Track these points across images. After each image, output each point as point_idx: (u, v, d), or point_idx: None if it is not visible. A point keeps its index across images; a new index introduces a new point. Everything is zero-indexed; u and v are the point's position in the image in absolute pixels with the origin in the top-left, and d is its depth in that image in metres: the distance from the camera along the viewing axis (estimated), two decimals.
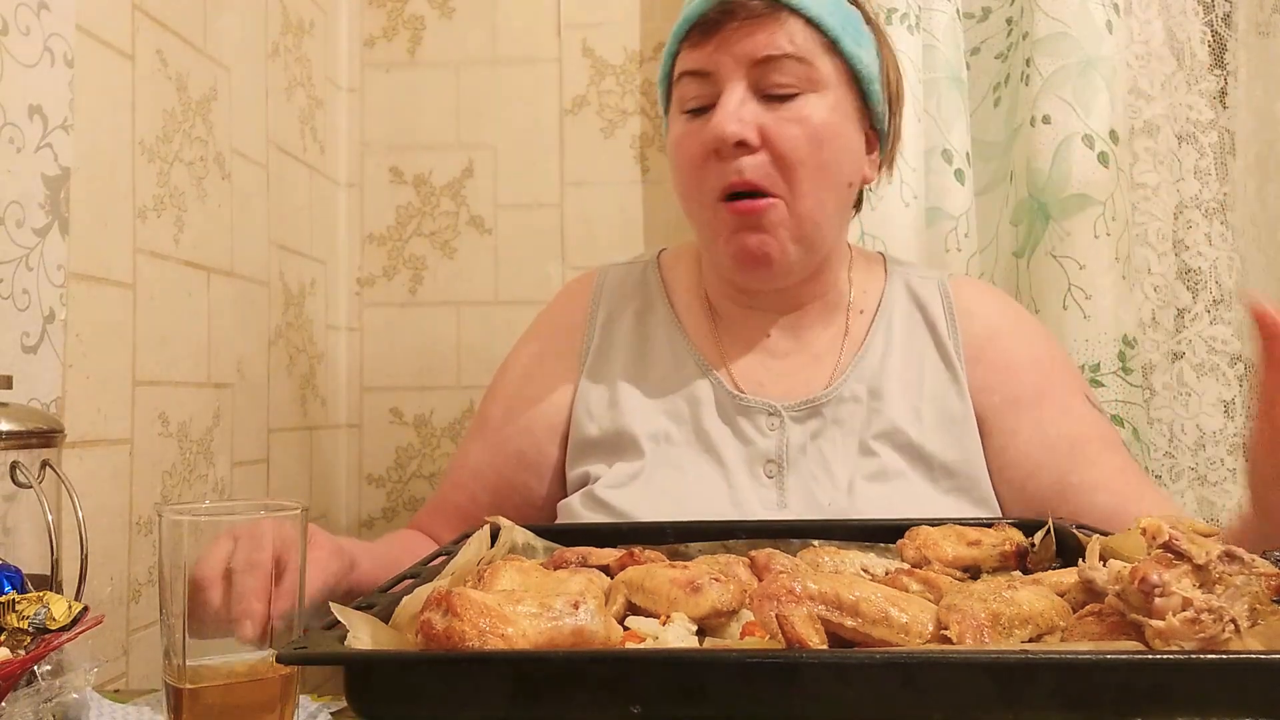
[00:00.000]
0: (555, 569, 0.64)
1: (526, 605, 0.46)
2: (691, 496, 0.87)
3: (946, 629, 0.45)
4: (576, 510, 0.89)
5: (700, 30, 0.87)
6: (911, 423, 0.89)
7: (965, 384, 0.92)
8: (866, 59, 0.89)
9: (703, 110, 0.87)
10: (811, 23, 0.86)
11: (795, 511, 0.86)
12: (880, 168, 0.96)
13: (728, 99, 0.85)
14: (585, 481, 0.92)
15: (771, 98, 0.85)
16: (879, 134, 0.93)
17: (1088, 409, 0.92)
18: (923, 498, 0.86)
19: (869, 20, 0.92)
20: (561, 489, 0.96)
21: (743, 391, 0.92)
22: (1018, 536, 0.68)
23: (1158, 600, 0.42)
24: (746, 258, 0.87)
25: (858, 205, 0.99)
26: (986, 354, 0.93)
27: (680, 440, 0.91)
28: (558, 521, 0.93)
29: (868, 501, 0.85)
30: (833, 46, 0.87)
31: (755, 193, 0.85)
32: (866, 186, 0.96)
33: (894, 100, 0.94)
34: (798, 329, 0.95)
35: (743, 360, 0.94)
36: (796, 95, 0.85)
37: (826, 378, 0.92)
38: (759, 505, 0.87)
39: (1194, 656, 0.41)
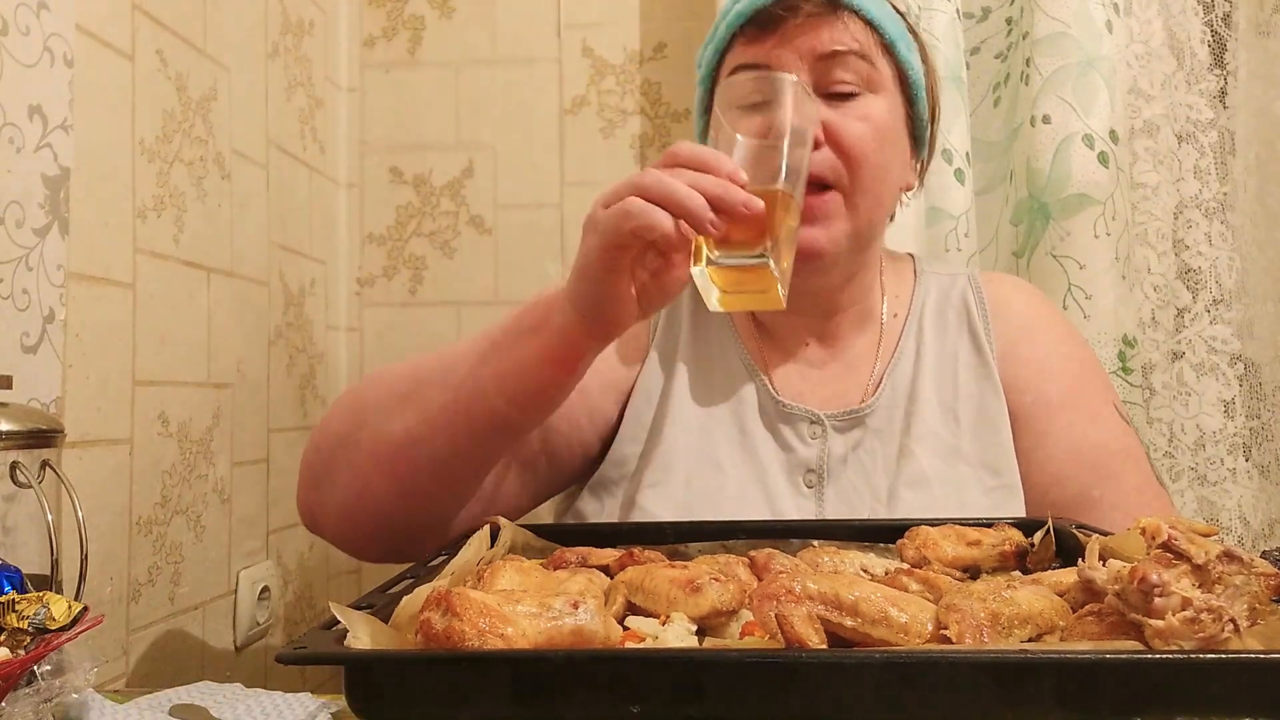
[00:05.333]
0: (555, 569, 0.64)
1: (526, 605, 0.46)
2: (728, 500, 0.86)
3: (946, 629, 0.45)
4: (615, 511, 0.88)
5: (758, 25, 0.85)
6: (949, 425, 0.89)
7: (999, 380, 0.91)
8: (917, 66, 0.89)
9: (759, 106, 0.85)
10: (871, 24, 0.85)
11: None
12: (918, 177, 0.96)
13: None
14: (622, 465, 0.89)
15: (833, 96, 0.84)
16: (918, 143, 0.93)
17: (1116, 419, 0.91)
18: (968, 501, 0.85)
19: (912, 31, 0.93)
20: (600, 454, 0.92)
21: (784, 398, 0.91)
22: (1017, 536, 0.68)
23: (1157, 600, 0.42)
24: (800, 248, 0.82)
25: (892, 216, 0.98)
26: (1020, 351, 0.92)
27: (721, 438, 0.89)
28: (571, 520, 0.92)
29: (909, 511, 0.84)
30: (889, 49, 0.87)
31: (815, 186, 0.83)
32: (906, 193, 0.96)
33: (934, 111, 0.95)
34: (833, 336, 0.94)
35: (782, 366, 0.93)
36: (857, 95, 0.85)
37: (863, 387, 0.92)
38: (797, 515, 0.86)
39: (1193, 656, 0.41)
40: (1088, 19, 1.27)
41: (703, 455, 0.88)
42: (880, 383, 0.91)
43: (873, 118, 0.84)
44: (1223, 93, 1.38)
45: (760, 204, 0.64)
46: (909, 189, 0.94)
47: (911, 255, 1.02)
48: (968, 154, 1.31)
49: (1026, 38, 1.31)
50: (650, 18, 1.54)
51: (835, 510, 0.86)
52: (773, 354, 0.94)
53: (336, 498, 0.81)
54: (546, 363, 0.72)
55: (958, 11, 1.31)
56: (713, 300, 0.68)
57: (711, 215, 0.62)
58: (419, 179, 1.56)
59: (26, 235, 0.82)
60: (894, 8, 0.91)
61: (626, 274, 0.67)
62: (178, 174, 1.07)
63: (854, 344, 0.94)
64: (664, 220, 0.63)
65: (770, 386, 0.91)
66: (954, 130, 1.29)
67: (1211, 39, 1.38)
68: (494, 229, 1.55)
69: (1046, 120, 1.27)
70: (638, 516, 0.86)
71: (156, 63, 1.03)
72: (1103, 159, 1.26)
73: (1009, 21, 1.38)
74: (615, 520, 0.88)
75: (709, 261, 0.66)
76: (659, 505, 0.86)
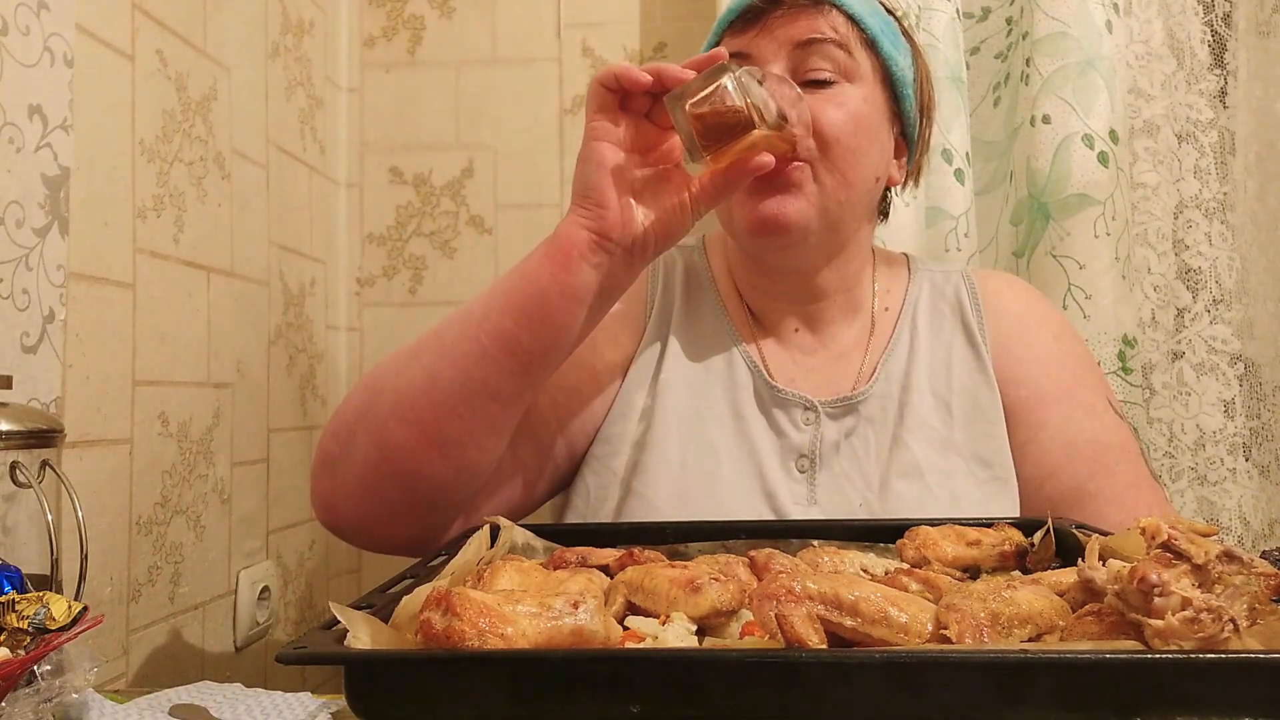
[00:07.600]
0: (555, 569, 0.65)
1: (526, 605, 0.46)
2: (722, 483, 0.86)
3: (946, 629, 0.45)
4: (603, 491, 0.89)
5: (744, 19, 0.89)
6: (942, 417, 0.90)
7: (993, 375, 0.92)
8: (902, 63, 0.91)
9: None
10: (852, 18, 0.88)
11: (825, 509, 0.86)
12: (908, 176, 0.96)
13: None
14: (608, 444, 0.90)
15: (810, 83, 0.86)
16: (908, 141, 0.94)
17: (1110, 414, 0.92)
18: (959, 492, 0.86)
19: (905, 33, 0.94)
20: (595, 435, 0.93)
21: (778, 383, 0.91)
22: (1017, 536, 0.68)
23: (1157, 600, 0.42)
24: (764, 219, 0.85)
25: (884, 215, 0.99)
26: (1014, 345, 0.93)
27: (715, 422, 0.90)
28: (574, 489, 0.92)
29: (901, 501, 0.85)
30: (871, 44, 0.89)
31: None
32: (893, 190, 0.97)
33: (925, 110, 0.96)
34: (820, 323, 0.95)
35: (774, 352, 0.94)
36: (834, 83, 0.87)
37: (855, 376, 0.93)
38: (789, 499, 0.86)
39: (1193, 656, 0.41)
40: (1088, 19, 1.27)
41: (697, 438, 0.89)
42: (875, 371, 0.92)
43: (848, 105, 0.86)
44: (1223, 93, 1.38)
45: (723, 52, 0.74)
46: (893, 184, 0.95)
47: (906, 255, 1.03)
48: (968, 154, 1.31)
49: (1026, 38, 1.31)
50: (650, 18, 1.54)
51: (827, 495, 0.87)
52: (764, 339, 0.95)
53: (354, 469, 0.79)
54: (546, 260, 0.77)
55: (958, 11, 1.31)
56: (695, 153, 0.73)
57: (676, 67, 0.73)
58: (419, 179, 1.56)
59: (26, 235, 0.82)
60: (884, 8, 0.93)
61: (612, 146, 0.75)
62: (178, 174, 1.07)
63: (842, 334, 0.95)
64: (629, 64, 0.74)
65: (765, 371, 0.92)
66: (954, 130, 1.29)
67: (1211, 39, 1.38)
68: (494, 229, 1.55)
69: (1046, 120, 1.27)
70: (632, 500, 0.87)
71: (156, 63, 1.03)
72: (1103, 159, 1.26)
73: (1009, 21, 1.38)
74: (601, 500, 0.89)
75: (687, 115, 0.73)
76: (653, 488, 0.86)
